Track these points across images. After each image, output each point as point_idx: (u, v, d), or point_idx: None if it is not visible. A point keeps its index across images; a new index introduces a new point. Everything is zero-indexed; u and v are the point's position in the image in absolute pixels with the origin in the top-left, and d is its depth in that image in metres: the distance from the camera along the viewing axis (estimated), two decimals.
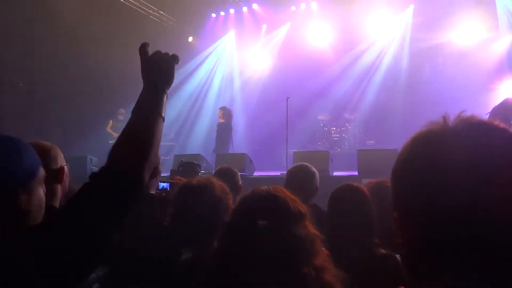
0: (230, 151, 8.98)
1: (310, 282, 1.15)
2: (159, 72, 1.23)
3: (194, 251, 1.66)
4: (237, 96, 12.80)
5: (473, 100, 8.46)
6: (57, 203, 1.55)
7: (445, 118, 0.67)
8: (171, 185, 2.45)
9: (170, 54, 1.28)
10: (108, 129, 10.15)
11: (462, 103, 9.47)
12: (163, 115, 1.19)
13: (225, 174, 2.80)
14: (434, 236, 0.62)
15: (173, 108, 12.10)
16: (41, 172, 1.12)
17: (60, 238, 0.97)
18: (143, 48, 1.27)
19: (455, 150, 0.62)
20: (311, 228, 1.22)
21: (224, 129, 9.24)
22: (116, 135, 9.86)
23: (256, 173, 7.76)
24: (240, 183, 2.83)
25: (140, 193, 1.08)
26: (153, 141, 1.13)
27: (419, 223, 0.64)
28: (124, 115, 10.14)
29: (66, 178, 1.64)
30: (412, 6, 10.84)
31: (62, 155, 1.66)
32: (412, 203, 0.65)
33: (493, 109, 7.20)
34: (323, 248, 1.25)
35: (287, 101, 8.40)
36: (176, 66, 1.30)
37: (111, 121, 10.25)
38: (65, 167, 1.64)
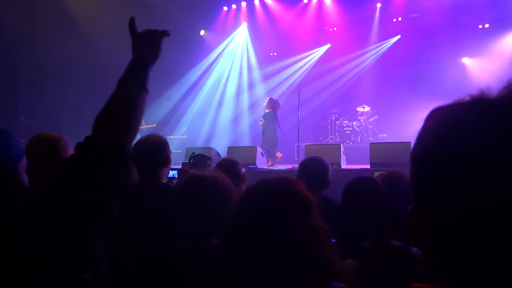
0: (280, 139, 9.11)
1: (315, 273, 1.14)
2: (145, 46, 1.27)
3: (194, 243, 1.67)
4: (254, 89, 12.80)
5: None
6: None
7: (483, 91, 0.54)
8: (179, 173, 2.47)
9: (160, 30, 1.30)
10: None
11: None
12: (146, 87, 1.23)
13: (226, 165, 2.81)
14: (461, 236, 0.51)
15: (186, 102, 12.19)
16: (24, 160, 1.26)
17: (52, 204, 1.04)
18: (131, 23, 1.32)
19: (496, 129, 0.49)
20: (318, 220, 1.20)
21: (270, 118, 9.21)
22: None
23: (266, 167, 7.77)
24: (243, 172, 2.84)
25: (121, 160, 1.12)
26: (136, 111, 1.18)
27: (445, 221, 0.52)
28: None
29: None
30: None
31: (71, 145, 1.71)
32: (435, 195, 0.53)
33: None
34: (330, 241, 1.24)
35: (298, 94, 8.38)
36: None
37: None
38: None
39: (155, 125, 10.38)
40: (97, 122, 1.14)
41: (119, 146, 1.12)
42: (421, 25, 10.94)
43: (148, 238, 1.84)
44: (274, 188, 1.22)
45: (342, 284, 1.18)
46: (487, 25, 10.42)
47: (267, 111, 9.25)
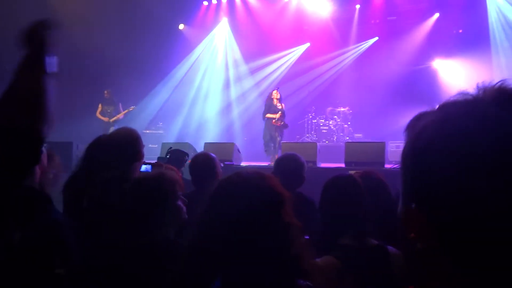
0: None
1: (286, 269, 1.14)
2: (31, 39, 1.26)
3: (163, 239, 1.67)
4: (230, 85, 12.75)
5: None
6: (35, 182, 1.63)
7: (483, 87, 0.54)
8: (152, 168, 2.43)
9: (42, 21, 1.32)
10: (97, 114, 9.98)
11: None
12: (45, 70, 1.23)
13: (201, 160, 2.80)
14: (466, 235, 0.50)
15: (163, 96, 12.02)
16: None
17: None
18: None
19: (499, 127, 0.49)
20: (291, 215, 1.20)
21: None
22: (105, 119, 9.77)
23: (243, 163, 7.76)
24: (221, 167, 2.83)
25: (39, 148, 1.14)
26: (43, 94, 1.18)
27: (445, 217, 0.51)
28: (109, 94, 9.97)
29: (44, 159, 1.75)
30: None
31: None
32: (438, 192, 0.52)
33: None
34: (303, 237, 1.24)
35: (277, 90, 8.38)
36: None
37: (100, 105, 10.03)
38: (43, 149, 1.67)
39: (132, 108, 10.18)
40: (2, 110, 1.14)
41: (34, 132, 1.12)
42: (398, 28, 11.15)
43: (115, 232, 1.81)
44: (247, 182, 1.21)
45: (308, 283, 1.17)
46: (460, 30, 10.71)
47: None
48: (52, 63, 1.27)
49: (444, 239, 0.52)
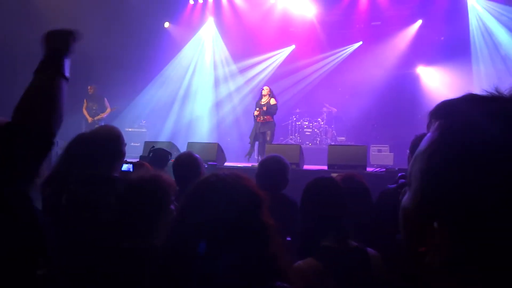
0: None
1: (262, 270, 1.14)
2: (56, 42, 1.38)
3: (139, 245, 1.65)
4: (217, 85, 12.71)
5: None
6: None
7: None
8: (134, 167, 2.40)
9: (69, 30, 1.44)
10: (84, 110, 9.81)
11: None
12: (64, 74, 1.34)
13: (184, 160, 2.79)
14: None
15: (147, 93, 11.90)
16: None
17: None
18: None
19: None
20: (268, 216, 1.20)
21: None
22: (90, 119, 9.61)
23: (227, 164, 7.74)
24: (204, 168, 2.82)
25: (50, 145, 1.22)
26: (59, 98, 1.28)
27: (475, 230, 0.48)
28: (94, 90, 9.83)
29: None
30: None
31: None
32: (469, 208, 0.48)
33: None
34: (280, 238, 1.24)
35: (261, 91, 8.40)
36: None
37: (85, 101, 9.88)
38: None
39: (115, 108, 10.05)
40: (17, 110, 1.21)
41: (48, 133, 1.20)
42: (382, 33, 11.29)
43: (94, 232, 1.77)
44: (224, 182, 1.21)
45: (286, 285, 1.17)
46: (442, 38, 10.92)
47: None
48: (68, 67, 1.37)
49: (471, 250, 0.49)
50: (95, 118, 9.58)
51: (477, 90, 0.56)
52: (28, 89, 1.25)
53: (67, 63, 1.37)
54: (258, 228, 1.16)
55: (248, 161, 8.27)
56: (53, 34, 1.40)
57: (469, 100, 0.53)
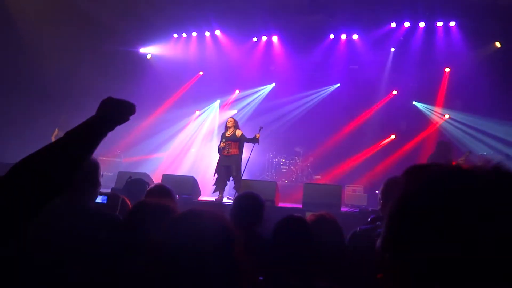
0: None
1: None
2: (112, 108, 1.37)
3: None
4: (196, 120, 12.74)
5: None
6: None
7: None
8: (108, 199, 2.34)
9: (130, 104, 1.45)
10: (52, 138, 9.62)
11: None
12: (92, 152, 1.29)
13: (157, 192, 2.74)
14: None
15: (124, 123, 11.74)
16: None
17: None
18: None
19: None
20: (241, 253, 1.21)
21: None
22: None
23: (201, 198, 7.65)
24: (176, 200, 2.78)
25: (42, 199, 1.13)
26: (75, 169, 1.22)
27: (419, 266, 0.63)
28: (67, 119, 9.71)
29: None
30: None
31: None
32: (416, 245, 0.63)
33: (430, 156, 7.73)
34: (253, 276, 1.25)
35: (259, 130, 8.10)
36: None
37: (56, 129, 9.74)
38: None
39: None
40: (29, 161, 1.14)
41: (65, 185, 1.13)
42: (360, 77, 11.68)
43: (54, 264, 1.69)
44: (201, 219, 1.22)
45: None
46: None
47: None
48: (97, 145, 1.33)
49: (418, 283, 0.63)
50: None
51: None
52: (51, 148, 1.22)
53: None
54: (230, 265, 1.16)
55: (212, 195, 7.85)
56: (116, 102, 1.40)
57: (434, 170, 0.69)
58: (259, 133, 7.92)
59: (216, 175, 7.79)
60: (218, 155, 7.94)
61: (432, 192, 0.65)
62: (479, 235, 0.59)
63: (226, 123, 8.08)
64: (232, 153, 7.75)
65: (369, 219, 2.58)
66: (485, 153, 9.26)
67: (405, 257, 0.64)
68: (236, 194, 7.73)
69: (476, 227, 0.60)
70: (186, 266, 1.12)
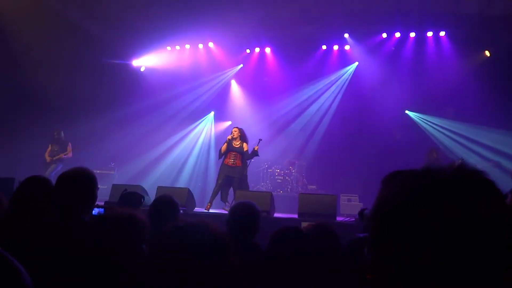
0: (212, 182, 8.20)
1: None
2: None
3: None
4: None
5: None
6: None
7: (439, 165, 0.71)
8: (105, 211, 2.32)
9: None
10: (46, 155, 9.57)
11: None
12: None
13: (165, 203, 2.74)
14: None
15: (117, 135, 11.72)
16: None
17: None
18: None
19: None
20: (235, 263, 1.23)
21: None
22: (49, 159, 9.36)
23: (196, 210, 7.61)
24: (180, 212, 2.77)
25: None
26: None
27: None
28: (59, 134, 9.65)
29: None
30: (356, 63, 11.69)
31: None
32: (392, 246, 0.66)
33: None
34: (245, 283, 1.27)
35: (258, 143, 8.09)
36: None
37: (50, 146, 9.69)
38: None
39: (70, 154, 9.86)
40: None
41: None
42: (352, 87, 11.75)
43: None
44: (194, 228, 1.25)
45: None
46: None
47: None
48: None
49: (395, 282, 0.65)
50: (54, 158, 9.37)
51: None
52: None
53: None
54: (224, 271, 1.18)
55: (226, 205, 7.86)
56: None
57: (404, 175, 0.72)
58: (257, 145, 7.95)
59: (217, 183, 7.82)
60: (218, 158, 8.00)
61: (400, 194, 0.68)
62: (444, 232, 0.61)
63: (232, 132, 8.00)
64: (237, 165, 7.79)
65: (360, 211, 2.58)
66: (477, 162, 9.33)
67: (382, 258, 0.67)
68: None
69: (441, 224, 0.62)
70: (182, 277, 1.13)
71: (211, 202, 7.78)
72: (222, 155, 7.95)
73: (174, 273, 1.14)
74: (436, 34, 10.72)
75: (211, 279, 1.15)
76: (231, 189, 7.82)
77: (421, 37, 10.83)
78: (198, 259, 1.16)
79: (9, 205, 2.12)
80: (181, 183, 11.20)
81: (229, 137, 7.93)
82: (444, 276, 0.61)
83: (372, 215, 0.71)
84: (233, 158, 7.80)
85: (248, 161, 8.09)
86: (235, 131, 7.97)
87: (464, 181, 0.66)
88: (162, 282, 1.14)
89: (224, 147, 7.90)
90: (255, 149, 7.89)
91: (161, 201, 2.79)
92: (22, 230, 1.91)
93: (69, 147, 9.64)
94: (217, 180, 7.90)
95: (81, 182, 2.09)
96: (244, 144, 7.91)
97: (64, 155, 9.51)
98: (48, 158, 9.42)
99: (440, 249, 0.61)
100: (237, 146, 7.86)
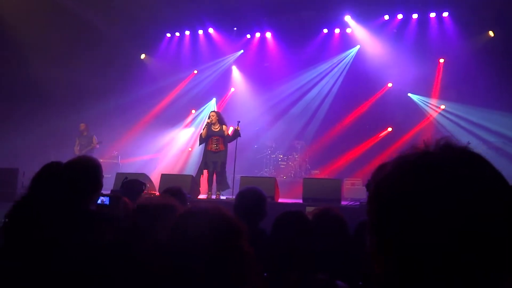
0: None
1: None
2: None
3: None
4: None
5: None
6: None
7: (426, 144, 0.70)
8: (111, 200, 2.33)
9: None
10: (75, 149, 9.73)
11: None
12: None
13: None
14: (415, 266, 0.61)
15: (122, 124, 11.72)
16: None
17: None
18: None
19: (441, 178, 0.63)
20: (247, 246, 1.23)
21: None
22: (79, 152, 9.50)
23: (200, 197, 7.64)
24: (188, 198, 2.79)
25: None
26: None
27: (402, 251, 0.63)
28: (86, 129, 9.92)
29: None
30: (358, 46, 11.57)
31: None
32: (395, 229, 0.64)
33: None
34: (259, 269, 1.27)
35: (238, 124, 8.03)
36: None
37: (77, 140, 9.88)
38: None
39: (100, 142, 10.02)
40: None
41: None
42: (354, 70, 11.65)
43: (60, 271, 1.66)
44: (208, 214, 1.24)
45: None
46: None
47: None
48: None
49: (402, 271, 0.64)
50: (83, 151, 9.58)
51: None
52: None
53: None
54: (238, 255, 1.18)
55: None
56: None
57: (395, 164, 0.70)
58: (238, 126, 7.83)
59: (203, 172, 7.67)
60: (199, 144, 7.85)
61: (391, 177, 0.68)
62: (435, 214, 0.60)
63: (209, 118, 7.81)
64: (221, 149, 7.63)
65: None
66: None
67: (378, 241, 0.67)
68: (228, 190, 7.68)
69: (432, 204, 0.61)
70: (194, 262, 1.14)
71: (211, 190, 7.74)
72: (203, 140, 7.73)
73: (188, 258, 1.14)
74: (439, 15, 10.57)
75: (225, 264, 1.15)
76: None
77: (423, 19, 10.69)
78: (212, 244, 1.17)
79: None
80: (186, 170, 11.21)
81: (208, 120, 7.74)
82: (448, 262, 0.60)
83: (369, 197, 0.71)
84: (216, 143, 7.61)
85: (235, 144, 7.94)
86: (213, 115, 7.76)
87: (452, 158, 0.66)
88: (175, 266, 1.14)
89: (204, 132, 7.68)
90: (237, 129, 7.78)
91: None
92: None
93: (95, 139, 9.92)
94: (204, 167, 7.69)
95: (86, 170, 2.09)
96: (224, 127, 7.72)
97: (92, 147, 9.78)
98: (77, 152, 9.58)
99: (443, 234, 0.60)
100: (216, 130, 7.67)
